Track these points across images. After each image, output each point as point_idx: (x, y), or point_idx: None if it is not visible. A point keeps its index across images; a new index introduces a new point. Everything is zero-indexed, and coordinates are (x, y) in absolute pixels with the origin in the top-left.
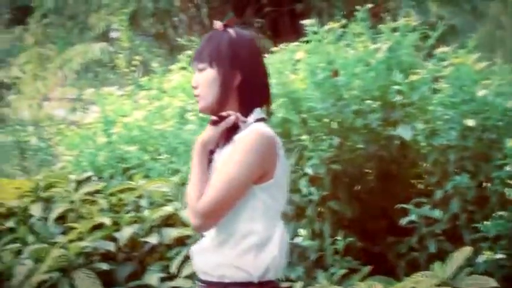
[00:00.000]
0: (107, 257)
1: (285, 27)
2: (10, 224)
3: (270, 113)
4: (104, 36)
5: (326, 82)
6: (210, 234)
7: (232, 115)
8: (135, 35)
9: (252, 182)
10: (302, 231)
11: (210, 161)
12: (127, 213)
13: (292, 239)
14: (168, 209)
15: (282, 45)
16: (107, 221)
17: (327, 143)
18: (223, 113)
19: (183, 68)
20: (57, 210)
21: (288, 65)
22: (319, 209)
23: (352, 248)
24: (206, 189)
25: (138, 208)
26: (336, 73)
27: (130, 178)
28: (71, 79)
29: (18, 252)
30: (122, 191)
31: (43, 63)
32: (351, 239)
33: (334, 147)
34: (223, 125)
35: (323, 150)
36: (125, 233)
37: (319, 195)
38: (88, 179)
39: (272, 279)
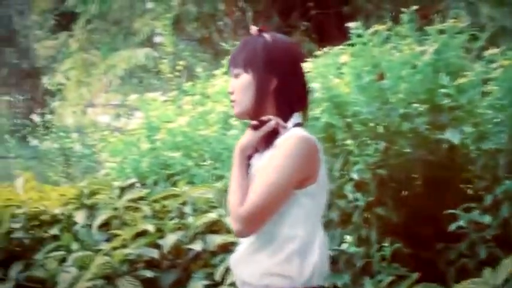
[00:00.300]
0: (151, 264)
1: (332, 30)
2: (54, 231)
3: (307, 118)
4: (148, 42)
5: (371, 86)
6: (249, 242)
7: (272, 120)
8: (179, 39)
9: (294, 187)
10: (348, 238)
11: (248, 166)
12: (171, 220)
13: (338, 245)
14: (212, 215)
15: (325, 49)
16: (150, 228)
17: (372, 147)
18: (264, 118)
19: (227, 73)
20: (101, 217)
21: (332, 69)
22: (365, 214)
23: (400, 254)
24: (247, 194)
25: (182, 215)
26: (381, 76)
27: (174, 184)
28: (115, 85)
29: (63, 260)
30: (165, 198)
31: (87, 69)
32: (398, 245)
33: (380, 152)
34: (264, 129)
35: (369, 155)
36: (169, 240)
37: (365, 201)
38: (132, 185)
39: (316, 286)
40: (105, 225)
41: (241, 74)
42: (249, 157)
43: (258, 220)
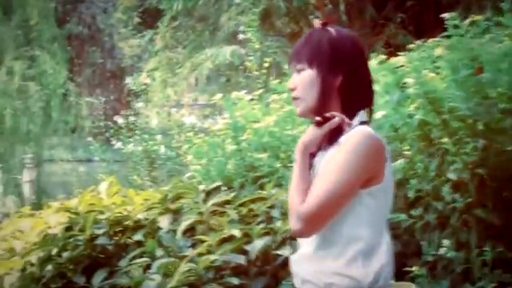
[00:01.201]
0: (237, 271)
1: (430, 22)
2: (138, 237)
3: (371, 116)
4: (235, 38)
5: (469, 80)
6: (311, 241)
7: (336, 116)
8: (267, 35)
9: (359, 186)
10: (446, 242)
11: (310, 164)
12: (258, 224)
13: (435, 250)
14: None
15: (419, 42)
16: (237, 233)
17: (470, 145)
18: (327, 114)
19: None
20: (186, 222)
21: (427, 63)
22: (464, 217)
23: (503, 259)
24: (309, 192)
25: (269, 219)
26: (479, 69)
27: (261, 187)
28: (202, 84)
29: (147, 267)
30: (252, 201)
31: (172, 69)
32: (500, 249)
33: (479, 150)
34: (328, 126)
35: (467, 153)
36: (256, 246)
37: (464, 203)
38: (217, 189)
39: None
40: (189, 231)
41: (305, 70)
42: (312, 155)
43: (320, 220)
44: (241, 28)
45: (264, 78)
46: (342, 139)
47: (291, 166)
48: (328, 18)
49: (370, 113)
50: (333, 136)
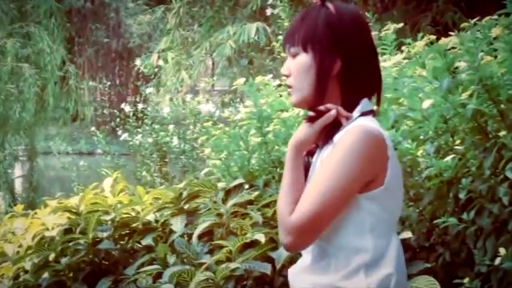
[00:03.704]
0: (261, 281)
1: None
2: (147, 241)
3: (379, 104)
4: (259, 14)
5: None
6: (309, 252)
7: (332, 109)
8: (296, 11)
9: (356, 192)
10: (502, 251)
11: (306, 166)
12: None
13: (490, 259)
14: None
15: (474, 20)
16: (261, 237)
17: None
18: (321, 107)
19: None
20: (203, 225)
21: (482, 45)
22: None
23: None
24: (300, 200)
25: None
26: None
27: None
28: (221, 67)
29: (157, 276)
30: None
31: (187, 49)
32: None
33: None
34: (321, 122)
35: None
36: (283, 252)
37: None
38: (238, 187)
39: None
40: (207, 235)
41: (300, 54)
42: (311, 154)
43: (310, 232)
44: (270, 1)
45: None
46: (336, 137)
47: None
48: None
49: (378, 100)
50: (329, 133)
